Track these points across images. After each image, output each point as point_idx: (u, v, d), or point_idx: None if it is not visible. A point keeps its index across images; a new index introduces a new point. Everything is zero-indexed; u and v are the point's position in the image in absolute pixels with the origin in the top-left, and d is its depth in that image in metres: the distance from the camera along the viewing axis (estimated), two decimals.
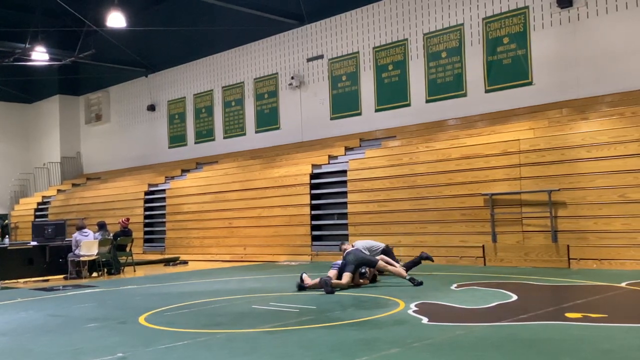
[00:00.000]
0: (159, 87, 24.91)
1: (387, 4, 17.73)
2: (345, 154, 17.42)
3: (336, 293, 9.30)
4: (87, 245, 13.70)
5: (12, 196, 28.55)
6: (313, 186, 16.89)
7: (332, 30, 19.07)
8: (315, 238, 16.48)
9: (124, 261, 14.97)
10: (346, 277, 9.71)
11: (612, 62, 13.80)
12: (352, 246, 10.65)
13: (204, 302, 9.06)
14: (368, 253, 10.61)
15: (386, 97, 17.75)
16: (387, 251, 11.27)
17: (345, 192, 15.97)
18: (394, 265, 10.45)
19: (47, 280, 13.43)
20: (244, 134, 21.61)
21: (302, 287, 9.78)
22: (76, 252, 13.75)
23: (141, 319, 7.65)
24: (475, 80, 15.93)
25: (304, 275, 9.94)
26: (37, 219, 24.79)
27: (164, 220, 20.59)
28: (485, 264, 13.04)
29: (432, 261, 11.54)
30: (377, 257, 10.45)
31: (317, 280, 9.73)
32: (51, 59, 23.73)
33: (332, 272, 9.89)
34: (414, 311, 7.50)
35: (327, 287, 9.34)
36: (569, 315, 6.89)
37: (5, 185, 28.46)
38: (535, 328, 6.30)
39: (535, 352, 5.32)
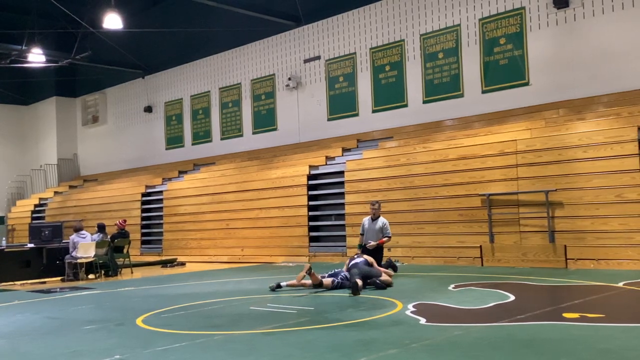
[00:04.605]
0: (156, 89, 24.89)
1: (383, 4, 17.73)
2: (342, 155, 17.42)
3: (333, 294, 9.29)
4: (85, 247, 13.69)
5: (8, 198, 28.47)
6: (310, 187, 16.88)
7: (329, 32, 19.07)
8: (312, 239, 16.48)
9: (121, 263, 14.94)
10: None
11: (609, 63, 13.82)
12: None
13: (201, 303, 9.05)
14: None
15: (383, 98, 17.76)
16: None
17: (343, 193, 15.97)
18: (387, 274, 10.48)
19: (44, 283, 13.41)
20: (241, 135, 21.60)
21: (278, 287, 9.99)
22: (73, 254, 13.74)
23: (139, 321, 7.64)
24: (472, 80, 15.94)
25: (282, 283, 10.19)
26: (34, 221, 24.71)
27: (161, 221, 20.56)
28: (482, 265, 13.06)
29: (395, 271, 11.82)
30: (380, 270, 10.40)
31: (294, 282, 10.02)
32: (48, 61, 23.68)
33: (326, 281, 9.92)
34: (411, 312, 7.50)
35: (356, 288, 9.16)
36: (566, 315, 6.89)
37: (1, 187, 28.38)
38: (533, 328, 6.31)
39: (533, 352, 5.32)
